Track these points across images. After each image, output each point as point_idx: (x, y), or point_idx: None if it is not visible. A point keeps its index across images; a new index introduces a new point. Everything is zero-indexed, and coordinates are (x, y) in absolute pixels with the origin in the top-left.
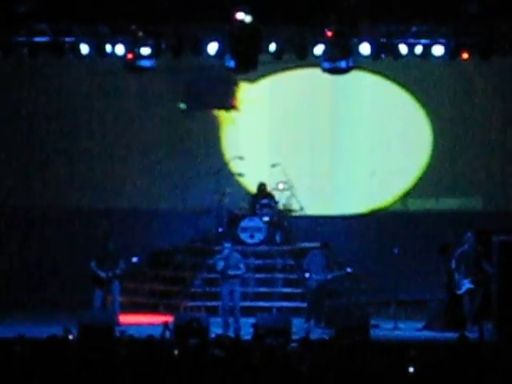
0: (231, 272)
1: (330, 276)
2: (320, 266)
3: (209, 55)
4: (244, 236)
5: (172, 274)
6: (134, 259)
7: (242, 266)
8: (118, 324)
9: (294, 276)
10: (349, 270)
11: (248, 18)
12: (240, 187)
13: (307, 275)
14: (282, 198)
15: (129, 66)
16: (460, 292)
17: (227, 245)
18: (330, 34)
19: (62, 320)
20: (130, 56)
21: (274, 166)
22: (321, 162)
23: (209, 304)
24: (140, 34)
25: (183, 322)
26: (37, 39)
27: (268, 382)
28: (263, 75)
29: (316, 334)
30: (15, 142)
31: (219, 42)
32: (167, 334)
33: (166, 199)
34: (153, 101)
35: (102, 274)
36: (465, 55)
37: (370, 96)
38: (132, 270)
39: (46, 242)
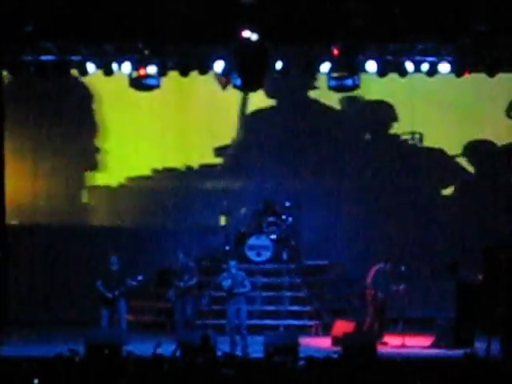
0: (236, 290)
1: (400, 287)
2: (386, 281)
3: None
4: (251, 254)
5: None
6: (140, 277)
7: (246, 283)
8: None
9: (302, 294)
10: (403, 268)
11: (254, 36)
12: (246, 205)
13: (380, 294)
14: (288, 216)
15: (135, 84)
16: None
17: (233, 263)
18: (336, 51)
19: (68, 339)
20: (141, 74)
21: (280, 184)
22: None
23: (216, 322)
24: (146, 52)
25: (190, 340)
26: (43, 58)
27: None
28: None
29: (323, 352)
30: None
31: (225, 61)
32: (178, 352)
33: (173, 217)
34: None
35: (108, 294)
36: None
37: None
38: (138, 288)
39: (52, 260)
